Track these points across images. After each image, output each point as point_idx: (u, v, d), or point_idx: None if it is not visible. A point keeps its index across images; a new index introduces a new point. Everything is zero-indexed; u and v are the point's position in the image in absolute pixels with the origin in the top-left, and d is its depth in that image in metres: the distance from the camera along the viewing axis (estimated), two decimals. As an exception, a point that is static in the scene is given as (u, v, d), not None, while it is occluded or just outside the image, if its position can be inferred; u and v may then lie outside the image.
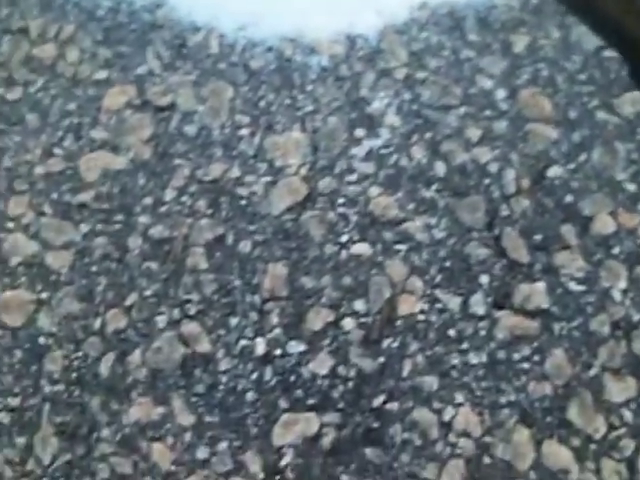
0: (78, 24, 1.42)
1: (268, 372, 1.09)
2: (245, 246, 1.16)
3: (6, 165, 1.26)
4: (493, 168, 1.23)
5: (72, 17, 1.44)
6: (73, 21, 1.43)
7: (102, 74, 1.36)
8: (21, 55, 1.39)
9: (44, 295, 1.16)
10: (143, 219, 1.19)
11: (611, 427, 1.05)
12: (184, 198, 1.20)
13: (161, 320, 1.13)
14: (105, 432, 1.07)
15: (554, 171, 1.24)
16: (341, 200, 1.20)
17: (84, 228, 1.19)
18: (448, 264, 1.16)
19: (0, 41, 1.43)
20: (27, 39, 1.41)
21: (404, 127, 1.27)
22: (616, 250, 1.15)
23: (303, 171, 1.22)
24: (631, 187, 1.21)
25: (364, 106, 1.29)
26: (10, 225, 1.20)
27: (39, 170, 1.25)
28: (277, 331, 1.11)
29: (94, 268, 1.17)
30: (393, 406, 1.07)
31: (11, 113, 1.32)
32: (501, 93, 1.31)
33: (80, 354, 1.12)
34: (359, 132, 1.26)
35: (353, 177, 1.22)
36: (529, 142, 1.27)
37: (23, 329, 1.15)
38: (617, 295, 1.12)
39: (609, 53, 1.33)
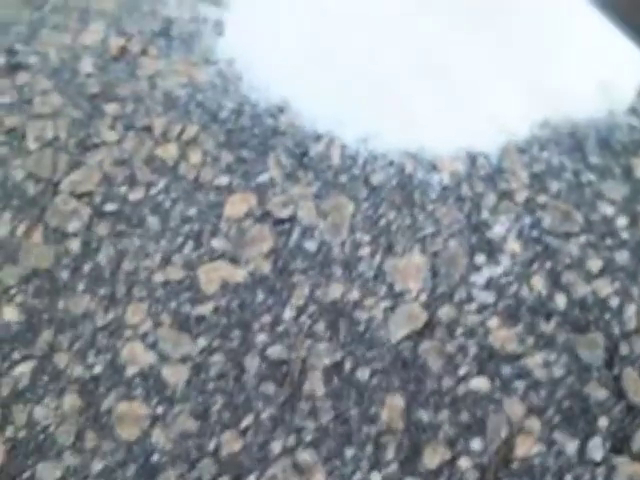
0: (201, 125, 1.43)
1: (383, 508, 1.06)
2: (363, 374, 1.15)
3: (126, 269, 1.26)
4: (614, 302, 1.21)
5: (195, 117, 1.44)
6: (196, 121, 1.44)
7: (223, 179, 1.36)
8: (144, 154, 1.40)
9: (159, 410, 1.16)
10: (261, 337, 1.19)
11: None
12: (303, 318, 1.19)
13: (276, 446, 1.11)
14: None
15: (675, 307, 1.19)
16: (460, 330, 1.18)
17: (202, 342, 1.19)
18: (566, 404, 1.14)
19: (124, 138, 1.41)
20: (150, 137, 1.41)
21: (524, 254, 1.25)
22: None
23: (423, 297, 1.20)
24: None
25: (485, 230, 1.28)
26: (128, 333, 1.20)
27: (158, 277, 1.25)
28: (393, 466, 1.11)
29: (210, 385, 1.16)
30: None
31: (132, 214, 1.33)
32: (622, 221, 1.29)
33: (194, 475, 1.10)
34: (479, 258, 1.25)
35: (473, 306, 1.20)
36: (651, 276, 1.22)
37: (137, 444, 1.14)
38: None
39: None
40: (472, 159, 1.35)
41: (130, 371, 1.19)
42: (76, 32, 1.64)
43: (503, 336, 1.18)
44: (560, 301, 1.21)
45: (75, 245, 1.31)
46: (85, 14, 1.68)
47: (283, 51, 1.45)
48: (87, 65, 1.56)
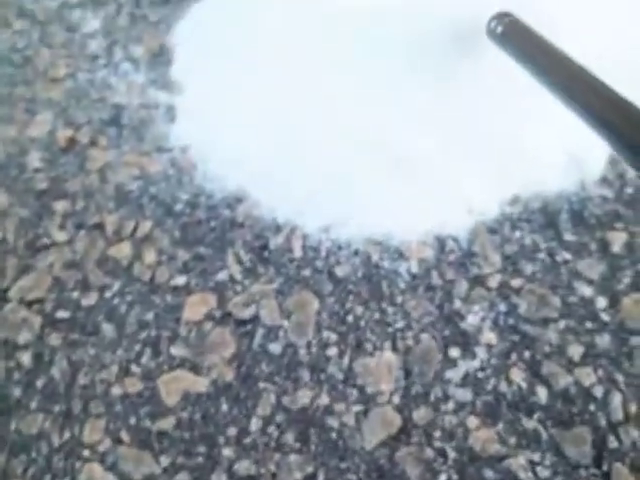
0: (155, 220, 1.36)
1: None
2: (337, 487, 1.06)
3: (81, 382, 1.19)
4: (598, 392, 1.14)
5: (149, 212, 1.38)
6: (150, 216, 1.37)
7: (180, 279, 1.29)
8: (96, 254, 1.33)
9: (122, 540, 1.05)
10: (227, 452, 1.11)
11: None
12: (270, 429, 1.12)
13: None
14: None
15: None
16: (437, 433, 1.10)
17: (164, 460, 1.11)
18: (555, 508, 1.04)
19: (75, 237, 1.34)
20: (102, 236, 1.34)
21: (501, 345, 1.19)
22: None
23: (396, 399, 1.13)
24: None
25: (458, 321, 1.21)
26: (86, 453, 1.13)
27: (116, 390, 1.18)
28: None
29: (176, 509, 1.06)
30: None
31: (86, 321, 1.25)
32: (601, 302, 1.22)
33: None
34: (454, 352, 1.18)
35: (449, 406, 1.13)
36: (635, 360, 1.17)
37: None
38: None
39: None
40: (441, 243, 1.28)
41: (89, 497, 1.09)
42: (23, 124, 1.57)
43: (483, 437, 1.11)
44: (541, 394, 1.14)
45: (27, 358, 1.24)
46: (32, 104, 1.62)
47: (239, 136, 1.37)
48: (34, 159, 1.49)
